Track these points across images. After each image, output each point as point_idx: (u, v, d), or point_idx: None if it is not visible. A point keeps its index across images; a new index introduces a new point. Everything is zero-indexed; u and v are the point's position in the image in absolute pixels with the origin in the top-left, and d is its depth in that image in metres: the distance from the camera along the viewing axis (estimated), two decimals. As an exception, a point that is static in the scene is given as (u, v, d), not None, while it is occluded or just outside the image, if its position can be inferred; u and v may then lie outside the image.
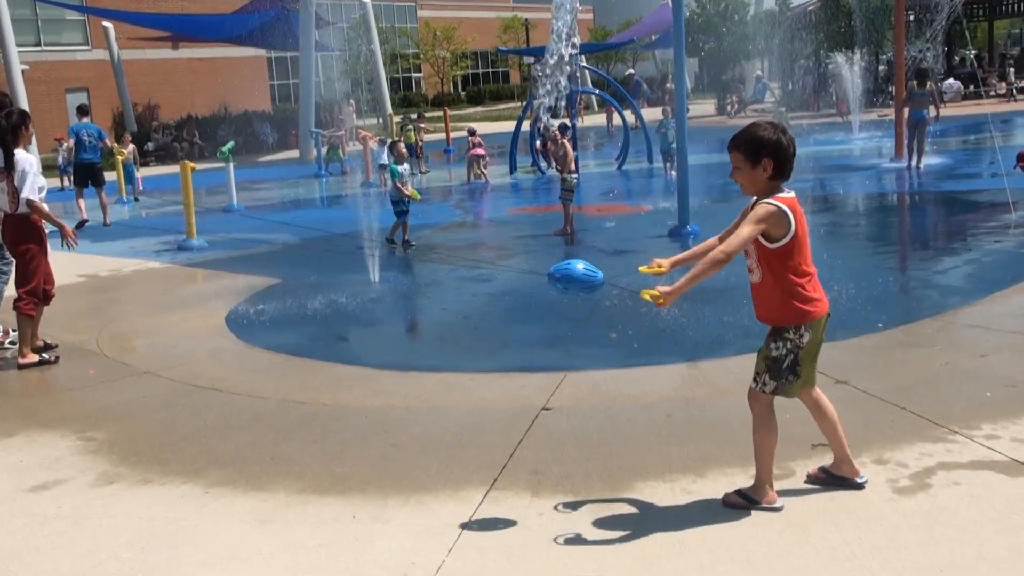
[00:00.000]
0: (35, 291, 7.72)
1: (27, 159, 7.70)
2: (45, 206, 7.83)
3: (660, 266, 4.22)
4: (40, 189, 7.80)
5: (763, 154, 4.07)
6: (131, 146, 23.92)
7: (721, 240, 4.20)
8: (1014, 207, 11.60)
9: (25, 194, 7.60)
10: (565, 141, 13.50)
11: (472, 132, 22.56)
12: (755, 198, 4.16)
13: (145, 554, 4.24)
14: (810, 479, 4.45)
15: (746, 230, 4.04)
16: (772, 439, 4.27)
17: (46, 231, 7.92)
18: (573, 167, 13.26)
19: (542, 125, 19.17)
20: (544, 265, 11.35)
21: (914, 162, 17.77)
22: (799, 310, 4.12)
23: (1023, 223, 11.17)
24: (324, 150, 26.51)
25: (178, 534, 4.42)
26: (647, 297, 3.97)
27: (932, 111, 17.68)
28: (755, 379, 4.25)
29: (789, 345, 4.14)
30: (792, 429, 4.59)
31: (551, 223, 13.54)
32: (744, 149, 4.11)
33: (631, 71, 43.85)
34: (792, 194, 4.14)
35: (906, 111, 17.86)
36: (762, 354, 4.23)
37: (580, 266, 4.77)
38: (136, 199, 22.56)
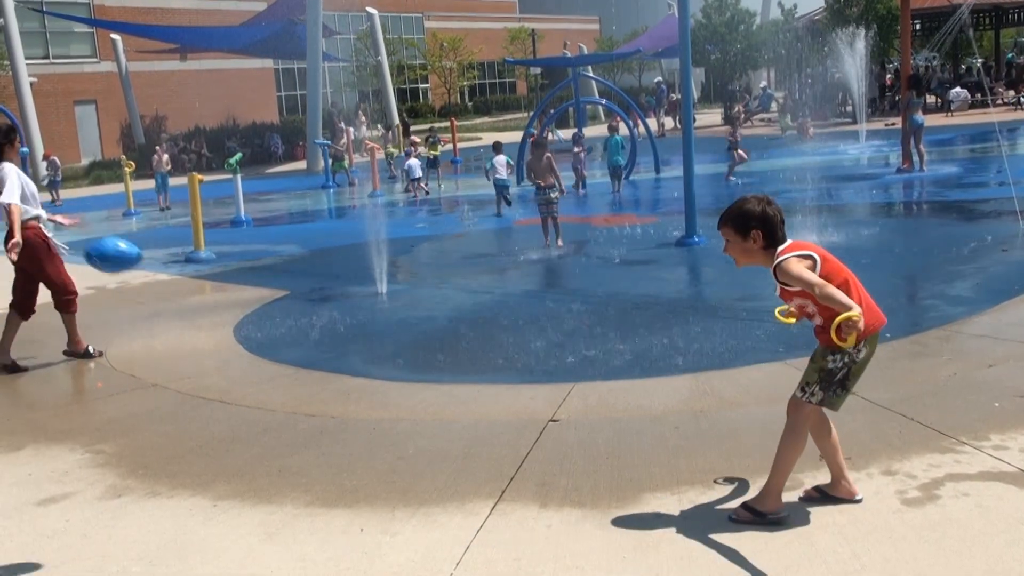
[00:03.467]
0: (69, 289, 8.25)
1: (9, 168, 7.81)
2: (17, 213, 7.69)
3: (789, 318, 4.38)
4: (29, 197, 7.88)
5: (751, 226, 4.14)
6: (166, 156, 23.92)
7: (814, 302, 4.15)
8: (1022, 216, 11.56)
9: (3, 199, 7.65)
10: (531, 157, 13.12)
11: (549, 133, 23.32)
12: (772, 269, 4.15)
13: (154, 567, 4.24)
14: (805, 498, 4.42)
15: (804, 273, 4.01)
16: (799, 452, 4.27)
17: (49, 238, 8.12)
18: (551, 179, 12.69)
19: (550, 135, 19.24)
20: (549, 276, 11.39)
21: (919, 167, 17.98)
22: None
23: None
24: (330, 162, 26.64)
25: (187, 547, 4.42)
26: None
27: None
28: (803, 388, 4.22)
29: (846, 359, 4.14)
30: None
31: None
32: (732, 224, 4.20)
33: (659, 79, 43.62)
34: (790, 241, 4.17)
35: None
36: (816, 364, 4.20)
37: (117, 244, 4.91)
38: (167, 208, 22.55)
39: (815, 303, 4.11)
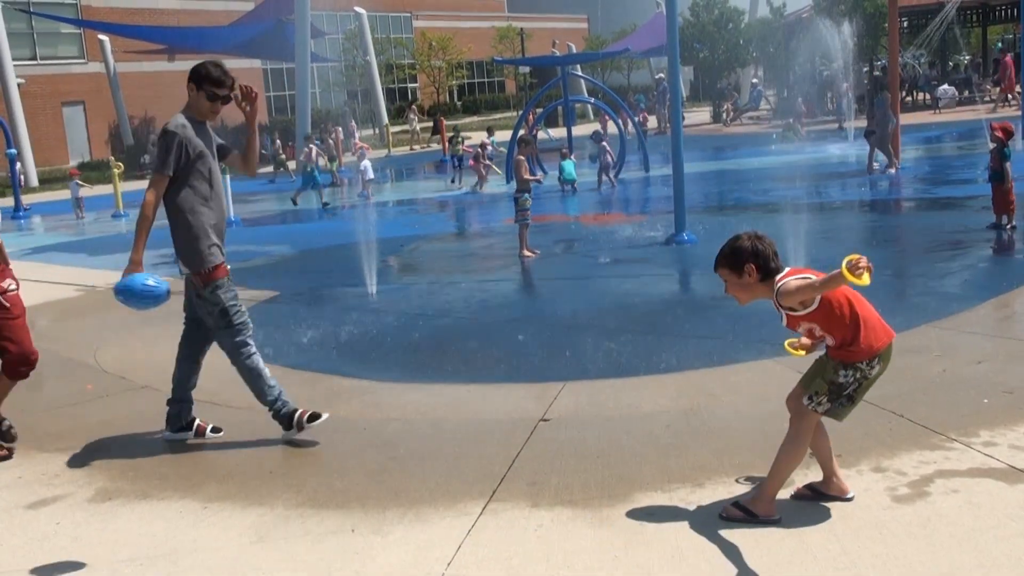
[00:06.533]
0: None
1: None
2: None
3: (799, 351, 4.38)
4: None
5: (744, 260, 4.14)
6: (311, 147, 23.68)
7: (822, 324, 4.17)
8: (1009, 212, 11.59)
9: None
10: (518, 156, 12.78)
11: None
12: (774, 299, 4.15)
13: (144, 570, 4.23)
14: (796, 497, 4.44)
15: (802, 285, 4.02)
16: (799, 459, 4.29)
17: None
18: (525, 179, 12.32)
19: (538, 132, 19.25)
20: (540, 275, 11.38)
21: (884, 167, 18.20)
22: (869, 343, 4.12)
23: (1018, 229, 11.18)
24: (321, 162, 26.52)
25: (178, 549, 4.41)
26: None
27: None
28: (810, 398, 4.22)
29: (858, 375, 4.15)
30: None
31: (548, 232, 13.56)
32: (726, 263, 4.20)
33: (661, 75, 43.29)
34: (787, 268, 4.17)
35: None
36: (826, 376, 4.20)
37: (146, 281, 4.99)
38: (324, 204, 21.68)
39: (822, 325, 4.12)
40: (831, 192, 16.79)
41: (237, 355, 5.84)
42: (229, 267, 5.92)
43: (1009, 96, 32.07)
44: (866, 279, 3.77)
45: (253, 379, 5.86)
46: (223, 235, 5.93)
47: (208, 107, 5.79)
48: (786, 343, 4.45)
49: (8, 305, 5.74)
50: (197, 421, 6.02)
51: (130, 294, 5.40)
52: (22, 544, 4.60)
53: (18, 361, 5.78)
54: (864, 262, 3.74)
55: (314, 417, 5.79)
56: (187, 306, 6.07)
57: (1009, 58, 33.06)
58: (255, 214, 20.82)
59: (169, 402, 6.04)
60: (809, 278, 4.07)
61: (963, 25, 42.51)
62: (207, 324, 5.88)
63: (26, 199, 25.85)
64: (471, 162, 22.57)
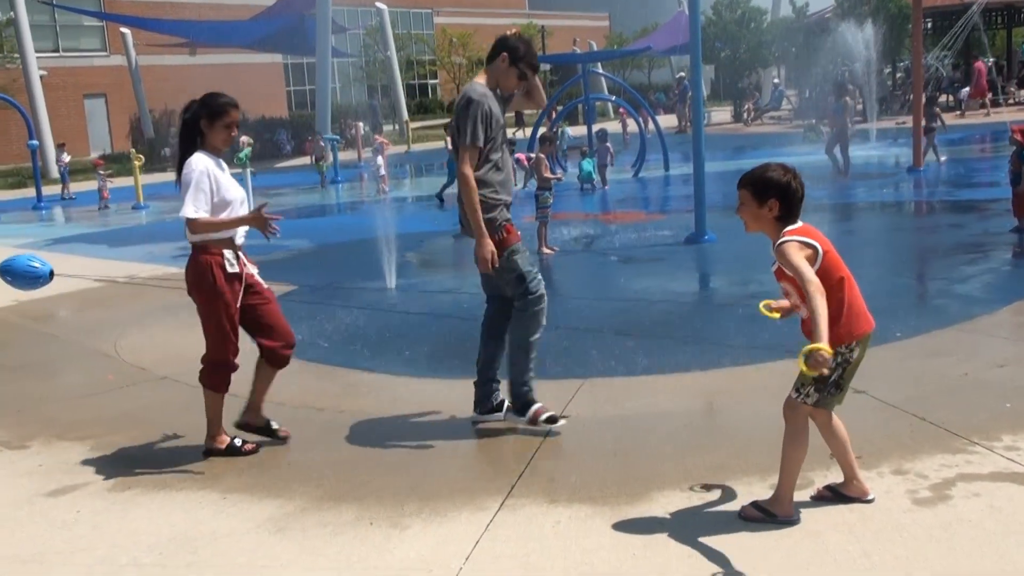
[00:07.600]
0: (216, 359, 5.80)
1: (192, 164, 5.55)
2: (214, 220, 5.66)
3: (774, 312, 4.24)
4: (220, 204, 5.66)
5: (770, 194, 4.07)
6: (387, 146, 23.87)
7: (801, 294, 4.04)
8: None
9: (182, 212, 5.47)
10: (539, 153, 12.89)
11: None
12: (774, 244, 4.09)
13: (164, 559, 4.25)
14: (817, 497, 4.40)
15: (802, 266, 3.92)
16: (803, 452, 4.24)
17: (226, 269, 5.77)
18: (546, 177, 12.39)
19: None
20: (558, 272, 11.36)
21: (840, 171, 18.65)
22: (849, 328, 4.07)
23: None
24: (329, 159, 26.33)
25: (197, 539, 4.43)
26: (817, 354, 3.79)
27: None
28: (798, 390, 4.19)
29: (839, 360, 4.10)
30: (810, 439, 4.56)
31: (568, 230, 13.52)
32: (752, 188, 4.12)
33: (681, 74, 43.03)
34: (801, 224, 4.12)
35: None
36: None
37: (30, 262, 5.03)
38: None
39: (800, 296, 4.05)
40: (853, 193, 16.72)
41: (523, 315, 5.69)
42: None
43: (971, 101, 31.96)
44: (809, 373, 3.79)
45: (520, 354, 5.71)
46: (509, 207, 5.84)
47: (515, 84, 5.74)
48: (761, 305, 4.26)
49: (259, 290, 5.83)
50: (536, 405, 5.71)
51: (14, 274, 5.41)
52: (42, 531, 4.63)
53: (283, 345, 5.85)
54: (827, 368, 3.79)
55: (551, 419, 5.64)
56: (484, 284, 5.95)
57: (981, 63, 32.91)
58: (273, 207, 20.87)
59: (476, 384, 5.91)
60: (813, 245, 3.99)
61: (988, 27, 42.19)
62: (507, 294, 5.73)
63: (47, 190, 25.98)
64: (519, 156, 22.38)
